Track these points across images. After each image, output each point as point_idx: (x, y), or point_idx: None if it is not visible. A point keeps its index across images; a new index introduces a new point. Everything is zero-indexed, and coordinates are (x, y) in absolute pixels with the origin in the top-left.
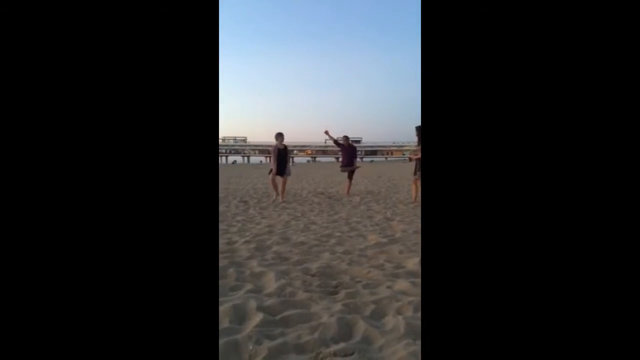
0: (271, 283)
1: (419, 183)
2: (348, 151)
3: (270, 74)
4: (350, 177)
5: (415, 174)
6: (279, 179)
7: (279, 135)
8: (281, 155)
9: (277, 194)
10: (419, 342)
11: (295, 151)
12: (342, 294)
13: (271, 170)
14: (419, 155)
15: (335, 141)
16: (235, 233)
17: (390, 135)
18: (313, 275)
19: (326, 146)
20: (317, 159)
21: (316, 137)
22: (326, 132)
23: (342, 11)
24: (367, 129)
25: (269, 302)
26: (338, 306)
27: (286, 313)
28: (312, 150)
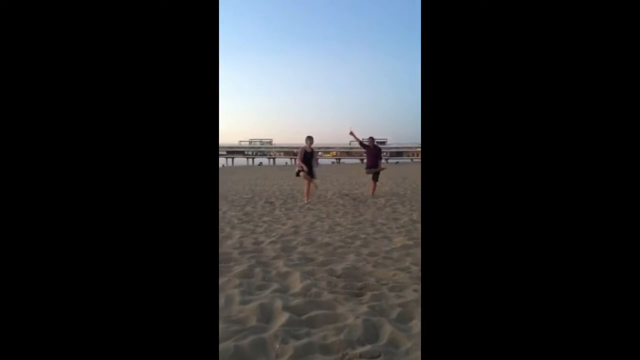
0: (297, 283)
1: None
2: (373, 152)
3: (296, 75)
4: (375, 178)
5: None
6: (308, 178)
7: (309, 138)
8: (306, 157)
9: (315, 186)
10: None
11: (320, 153)
12: (367, 296)
13: (298, 173)
14: None
15: (361, 142)
16: (261, 233)
17: (416, 137)
18: (338, 277)
19: (351, 148)
20: (342, 160)
21: (340, 139)
22: (351, 133)
23: (363, 9)
24: (392, 130)
25: (295, 302)
26: (364, 308)
27: (312, 313)
28: (336, 152)
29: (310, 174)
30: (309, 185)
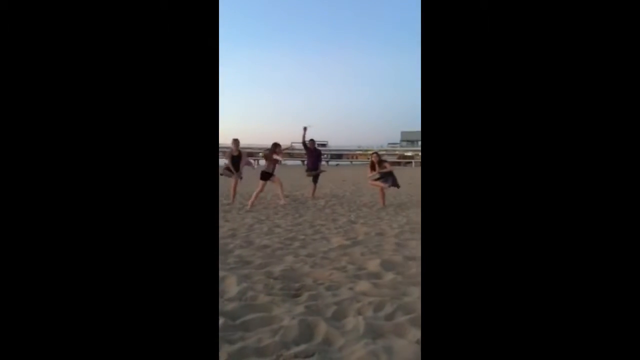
0: (232, 287)
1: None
2: (313, 155)
3: (232, 76)
4: (315, 180)
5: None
6: (232, 182)
7: (234, 141)
8: (234, 160)
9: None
10: (378, 342)
11: (260, 154)
12: (304, 296)
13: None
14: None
15: (304, 142)
16: None
17: (355, 140)
18: (275, 279)
19: (292, 149)
20: (283, 162)
21: (281, 141)
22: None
23: (298, 12)
24: (333, 133)
25: (230, 306)
26: (300, 309)
27: (247, 317)
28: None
29: (237, 175)
30: (235, 187)
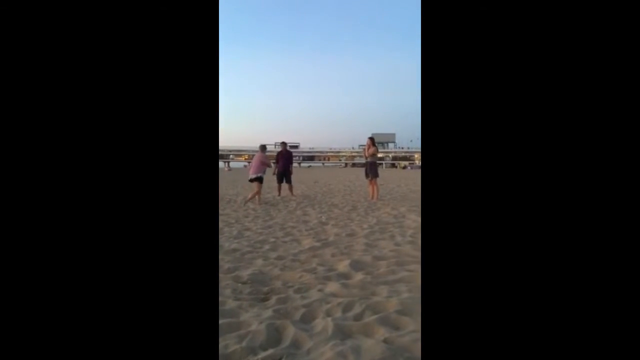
0: None
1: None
2: (285, 157)
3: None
4: (288, 180)
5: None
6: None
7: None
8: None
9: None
10: (346, 342)
11: (231, 156)
12: (273, 300)
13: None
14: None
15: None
16: None
17: (326, 142)
18: (244, 283)
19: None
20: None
21: (252, 143)
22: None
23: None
24: (304, 135)
25: None
26: (268, 312)
27: None
28: (248, 155)
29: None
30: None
